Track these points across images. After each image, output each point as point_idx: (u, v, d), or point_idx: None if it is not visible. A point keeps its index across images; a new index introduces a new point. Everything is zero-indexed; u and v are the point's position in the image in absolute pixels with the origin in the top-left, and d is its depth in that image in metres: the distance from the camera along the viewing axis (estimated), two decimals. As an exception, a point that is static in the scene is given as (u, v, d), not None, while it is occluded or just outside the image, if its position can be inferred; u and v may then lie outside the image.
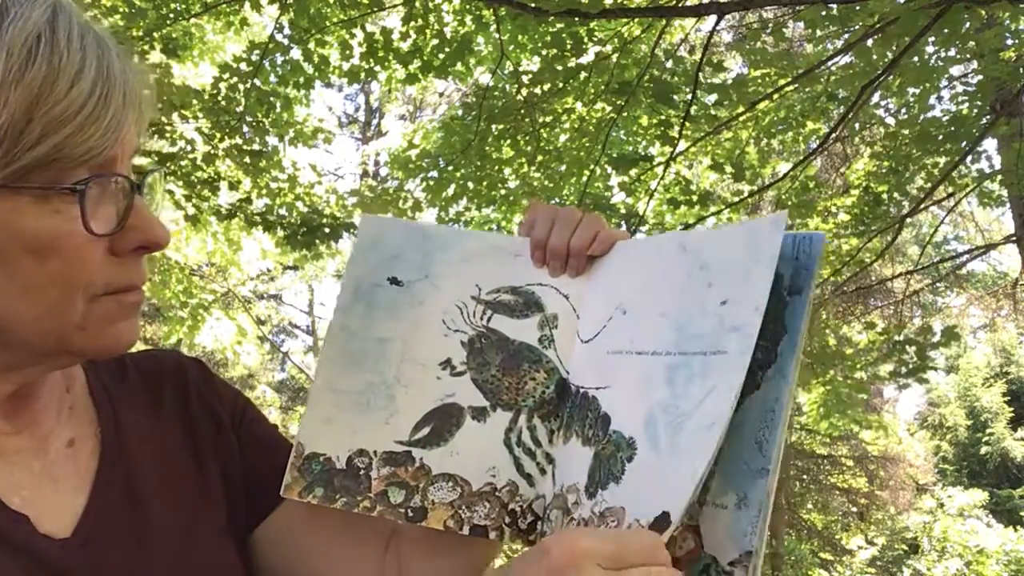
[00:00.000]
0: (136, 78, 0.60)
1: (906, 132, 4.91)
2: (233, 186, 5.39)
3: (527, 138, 4.93)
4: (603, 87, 4.61)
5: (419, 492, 0.74)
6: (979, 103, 4.63)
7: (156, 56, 4.75)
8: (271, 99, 4.88)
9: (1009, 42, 4.47)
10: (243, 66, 4.71)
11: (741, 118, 5.15)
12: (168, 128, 4.77)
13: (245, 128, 4.88)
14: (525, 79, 4.71)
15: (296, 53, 4.76)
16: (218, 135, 4.82)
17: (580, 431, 0.71)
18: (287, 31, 4.71)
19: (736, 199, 6.31)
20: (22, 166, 0.53)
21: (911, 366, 4.37)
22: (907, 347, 4.39)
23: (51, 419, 0.68)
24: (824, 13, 3.66)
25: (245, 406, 0.82)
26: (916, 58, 3.87)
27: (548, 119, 5.10)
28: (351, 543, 0.80)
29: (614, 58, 4.50)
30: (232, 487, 0.77)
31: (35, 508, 0.62)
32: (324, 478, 0.75)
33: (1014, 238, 6.84)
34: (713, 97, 4.70)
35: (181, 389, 0.79)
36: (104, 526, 0.65)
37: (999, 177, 5.56)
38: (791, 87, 4.70)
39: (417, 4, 4.50)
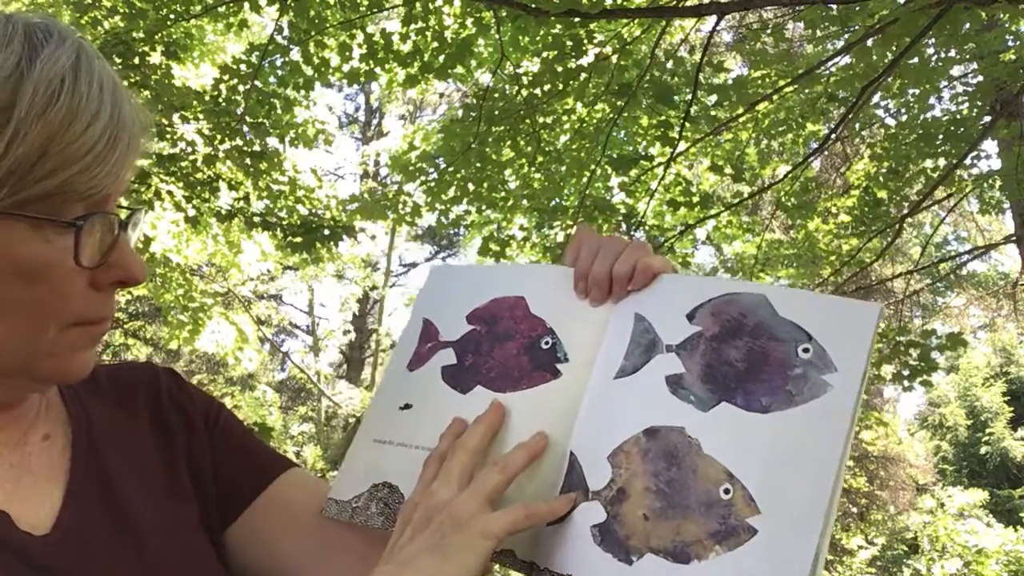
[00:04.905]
0: (140, 124, 0.63)
1: (906, 132, 4.92)
2: (233, 187, 5.38)
3: (527, 139, 4.93)
4: (603, 88, 4.60)
5: None
6: (979, 104, 4.64)
7: (156, 57, 4.74)
8: (272, 100, 4.88)
9: (1009, 43, 4.48)
10: (243, 67, 4.71)
11: (741, 119, 5.15)
12: (169, 129, 4.76)
13: (246, 129, 4.87)
14: (525, 80, 4.71)
15: (296, 55, 4.75)
16: (218, 136, 4.82)
17: None
18: (287, 32, 4.70)
19: (736, 200, 6.32)
20: (27, 196, 0.56)
21: (915, 366, 4.35)
22: (910, 349, 4.38)
23: (31, 414, 0.70)
24: (824, 13, 3.67)
25: (219, 411, 0.84)
26: (916, 59, 3.87)
27: (548, 120, 5.09)
28: (326, 549, 0.80)
29: (614, 59, 4.49)
30: (203, 487, 0.78)
31: (14, 503, 0.63)
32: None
33: (1014, 238, 6.85)
34: (713, 98, 4.70)
35: (153, 393, 0.80)
36: (83, 520, 0.66)
37: (999, 181, 5.56)
38: (791, 88, 4.70)
39: (417, 6, 4.49)
